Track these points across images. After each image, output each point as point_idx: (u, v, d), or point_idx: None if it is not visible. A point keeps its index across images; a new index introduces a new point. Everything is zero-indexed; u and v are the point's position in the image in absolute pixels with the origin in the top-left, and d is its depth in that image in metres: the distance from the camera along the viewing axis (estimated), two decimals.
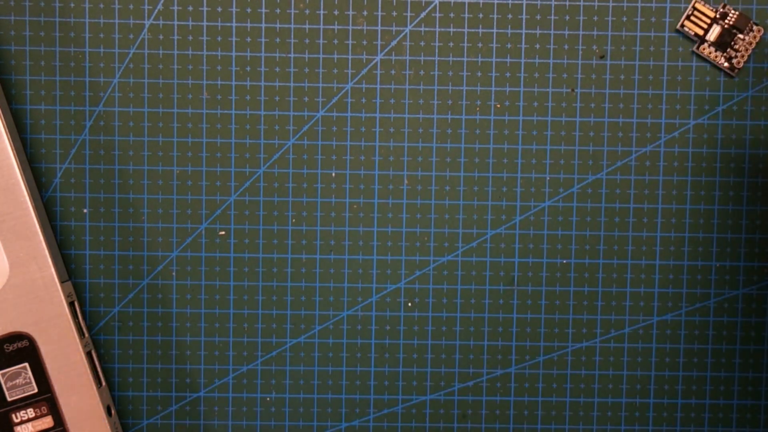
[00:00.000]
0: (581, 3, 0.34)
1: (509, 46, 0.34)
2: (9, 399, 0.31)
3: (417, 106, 0.35)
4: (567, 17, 0.34)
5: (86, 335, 0.33)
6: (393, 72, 0.34)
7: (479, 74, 0.35)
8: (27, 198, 0.31)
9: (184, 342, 0.35)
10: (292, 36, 0.34)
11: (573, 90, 0.35)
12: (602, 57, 0.35)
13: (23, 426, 0.31)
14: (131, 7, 0.34)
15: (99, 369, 0.33)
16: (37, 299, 0.31)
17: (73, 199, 0.34)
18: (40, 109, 0.34)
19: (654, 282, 0.35)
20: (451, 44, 0.34)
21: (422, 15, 0.34)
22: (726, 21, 0.34)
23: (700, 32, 0.34)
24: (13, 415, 0.31)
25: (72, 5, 0.34)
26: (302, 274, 0.35)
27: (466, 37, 0.35)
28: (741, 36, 0.34)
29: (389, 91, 0.35)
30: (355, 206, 0.35)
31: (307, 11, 0.34)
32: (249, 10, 0.34)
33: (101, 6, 0.34)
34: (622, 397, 0.35)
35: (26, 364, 0.31)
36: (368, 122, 0.35)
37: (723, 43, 0.34)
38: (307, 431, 0.35)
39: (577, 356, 0.35)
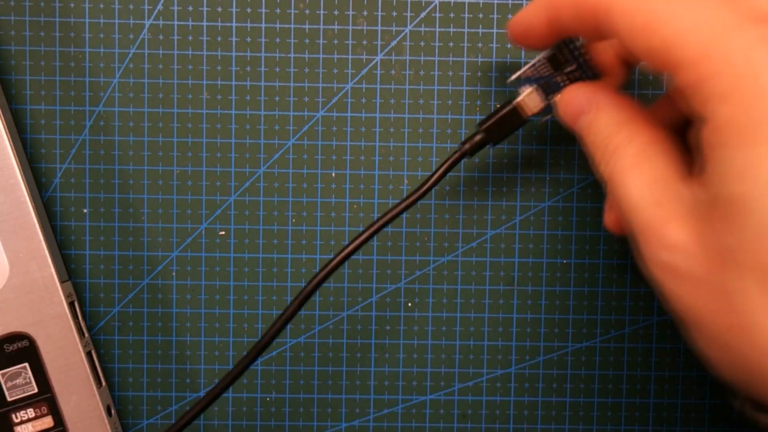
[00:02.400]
0: None
1: (509, 46, 0.34)
2: (9, 399, 0.31)
3: (417, 106, 0.35)
4: None
5: (86, 335, 0.33)
6: (393, 72, 0.34)
7: (479, 74, 0.35)
8: (27, 198, 0.31)
9: (184, 342, 0.35)
10: (292, 36, 0.34)
11: None
12: None
13: (23, 426, 0.31)
14: (131, 7, 0.34)
15: (99, 369, 0.33)
16: (37, 299, 0.31)
17: (73, 199, 0.34)
18: (40, 109, 0.34)
19: None
20: (451, 44, 0.34)
21: (422, 15, 0.34)
22: None
23: None
24: (13, 415, 0.31)
25: (72, 5, 0.34)
26: (302, 274, 0.35)
27: (466, 37, 0.34)
28: None
29: (389, 91, 0.35)
30: (355, 206, 0.35)
31: (307, 11, 0.34)
32: (249, 10, 0.34)
33: (101, 6, 0.34)
34: (622, 397, 0.35)
35: (26, 364, 0.31)
36: (368, 122, 0.35)
37: None
38: (307, 431, 0.35)
39: (577, 356, 0.35)
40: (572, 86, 0.28)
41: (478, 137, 0.30)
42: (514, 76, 0.29)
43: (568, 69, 0.29)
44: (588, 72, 0.29)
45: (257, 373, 0.35)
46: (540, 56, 0.29)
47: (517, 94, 0.30)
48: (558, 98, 0.28)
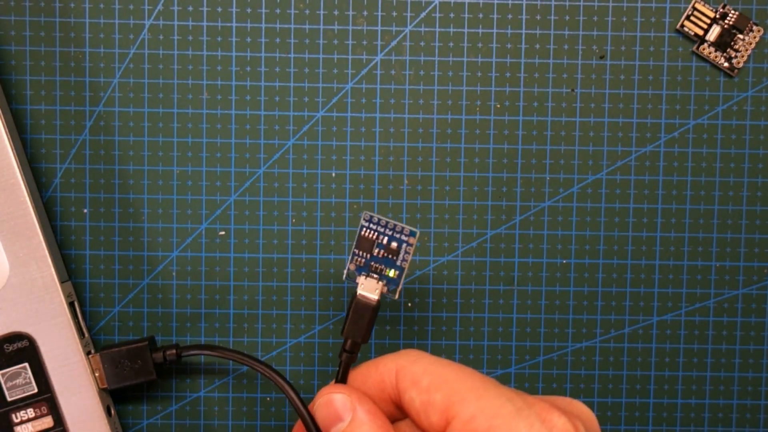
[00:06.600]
0: (581, 3, 0.34)
1: (509, 46, 0.34)
2: (9, 399, 0.31)
3: (417, 106, 0.35)
4: (567, 17, 0.34)
5: (86, 335, 0.33)
6: (393, 72, 0.35)
7: (479, 74, 0.35)
8: (27, 198, 0.31)
9: (184, 342, 0.35)
10: (292, 36, 0.34)
11: (573, 90, 0.35)
12: (602, 57, 0.35)
13: (23, 426, 0.31)
14: (131, 7, 0.34)
15: None
16: (37, 299, 0.31)
17: (73, 199, 0.34)
18: (40, 109, 0.34)
19: (654, 282, 0.35)
20: (451, 44, 0.34)
21: (422, 15, 0.34)
22: (726, 21, 0.34)
23: (700, 32, 0.34)
24: (13, 415, 0.31)
25: (72, 5, 0.34)
26: (302, 274, 0.35)
27: (466, 37, 0.35)
28: (741, 36, 0.34)
29: (389, 91, 0.35)
30: (355, 206, 0.35)
31: (307, 11, 0.34)
32: (249, 10, 0.34)
33: (101, 6, 0.34)
34: (622, 397, 0.35)
35: (26, 364, 0.31)
36: (368, 122, 0.35)
37: (723, 43, 0.34)
38: None
39: (577, 356, 0.35)
40: (331, 389, 0.27)
41: (348, 343, 0.29)
42: (344, 274, 0.30)
43: (383, 242, 0.29)
44: (399, 236, 0.29)
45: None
46: (353, 247, 0.29)
47: (356, 287, 0.29)
48: (315, 403, 0.27)
